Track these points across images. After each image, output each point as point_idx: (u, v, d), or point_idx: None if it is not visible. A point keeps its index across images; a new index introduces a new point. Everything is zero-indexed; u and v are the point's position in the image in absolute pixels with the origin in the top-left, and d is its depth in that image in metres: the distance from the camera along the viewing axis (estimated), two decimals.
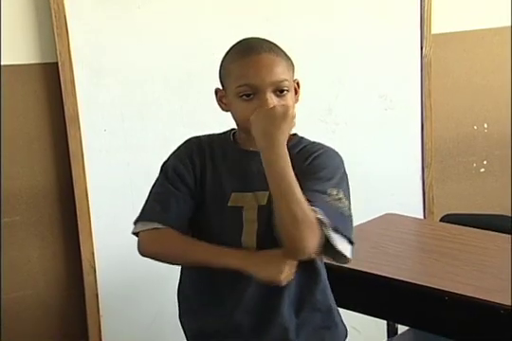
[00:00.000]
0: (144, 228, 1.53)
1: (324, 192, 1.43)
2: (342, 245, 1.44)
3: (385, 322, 2.38)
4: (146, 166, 2.33)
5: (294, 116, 1.44)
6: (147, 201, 1.55)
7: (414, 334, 2.33)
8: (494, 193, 3.17)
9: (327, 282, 1.58)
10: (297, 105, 1.51)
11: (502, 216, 2.49)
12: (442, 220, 2.46)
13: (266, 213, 1.46)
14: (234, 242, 1.48)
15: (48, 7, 2.15)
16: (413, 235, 2.33)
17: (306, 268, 1.51)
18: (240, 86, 1.45)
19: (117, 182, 2.33)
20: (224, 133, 1.59)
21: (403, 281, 1.89)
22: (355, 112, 2.74)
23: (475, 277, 1.91)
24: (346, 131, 2.73)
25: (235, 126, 1.56)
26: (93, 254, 2.32)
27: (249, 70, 1.44)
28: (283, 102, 1.45)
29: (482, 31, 2.99)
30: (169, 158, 1.57)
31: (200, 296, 1.56)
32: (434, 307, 1.85)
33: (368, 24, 2.71)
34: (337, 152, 1.54)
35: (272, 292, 1.48)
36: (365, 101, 2.76)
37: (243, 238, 1.48)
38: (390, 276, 1.92)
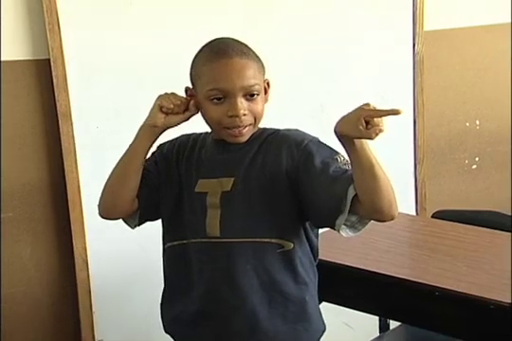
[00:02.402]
0: None
1: (338, 162, 1.47)
2: None
3: (377, 318, 2.40)
4: None
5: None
6: None
7: (406, 330, 2.34)
8: (486, 190, 3.19)
9: (308, 277, 1.58)
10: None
11: (493, 212, 2.50)
12: (434, 216, 2.47)
13: (230, 198, 1.51)
14: (200, 228, 1.52)
15: (40, 2, 2.14)
16: (405, 231, 2.34)
17: (282, 260, 1.52)
18: (210, 90, 1.48)
19: None
20: None
21: (394, 277, 1.90)
22: (347, 109, 2.73)
23: (466, 272, 1.92)
24: None
25: None
26: (85, 250, 2.32)
27: (220, 75, 1.47)
28: (253, 106, 1.49)
29: (474, 28, 3.00)
30: (158, 146, 1.65)
31: (174, 284, 1.61)
32: (425, 303, 1.86)
33: (360, 20, 2.72)
34: (298, 131, 1.56)
35: (241, 279, 1.50)
36: (357, 98, 2.75)
37: (207, 223, 1.52)
38: (381, 272, 1.93)
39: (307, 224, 1.55)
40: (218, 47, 1.50)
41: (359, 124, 1.32)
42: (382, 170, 1.40)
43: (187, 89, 1.55)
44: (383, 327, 2.42)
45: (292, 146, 1.50)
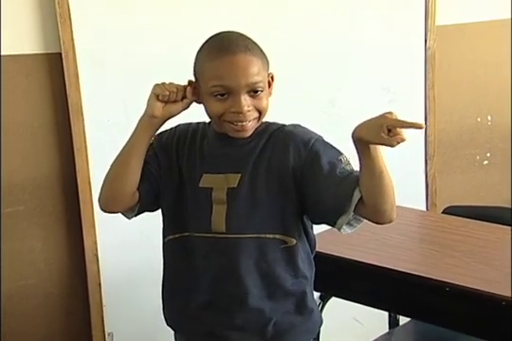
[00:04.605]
0: None
1: (341, 164, 1.48)
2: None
3: (386, 313, 2.39)
4: None
5: None
6: None
7: (416, 326, 2.34)
8: (497, 186, 3.17)
9: (307, 271, 1.59)
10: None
11: (504, 208, 2.49)
12: (444, 212, 2.47)
13: (236, 195, 1.50)
14: (205, 223, 1.52)
15: None
16: (416, 227, 2.34)
17: (284, 256, 1.53)
18: (214, 86, 1.46)
19: None
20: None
21: (405, 273, 1.90)
22: (358, 104, 2.74)
23: (476, 268, 1.91)
24: (349, 123, 2.71)
25: None
26: (96, 243, 2.33)
27: (224, 71, 1.45)
28: (257, 101, 1.48)
29: (486, 23, 2.99)
30: (156, 135, 1.61)
31: (174, 277, 1.61)
32: (435, 298, 1.86)
33: (372, 15, 2.71)
34: (302, 127, 1.56)
35: (244, 274, 1.51)
36: (368, 94, 2.76)
37: (212, 218, 1.52)
38: (391, 267, 1.93)
39: (305, 219, 1.55)
40: (222, 43, 1.48)
41: (381, 131, 1.33)
42: (389, 176, 1.41)
43: (190, 82, 1.54)
44: (392, 322, 2.42)
45: (299, 144, 1.51)
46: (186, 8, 2.38)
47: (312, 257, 1.61)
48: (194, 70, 1.53)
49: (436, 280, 1.84)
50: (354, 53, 2.70)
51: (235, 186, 1.51)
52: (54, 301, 2.36)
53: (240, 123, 1.48)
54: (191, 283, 1.57)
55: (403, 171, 2.87)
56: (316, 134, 1.54)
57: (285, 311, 1.56)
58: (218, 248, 1.53)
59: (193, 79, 1.54)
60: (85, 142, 2.26)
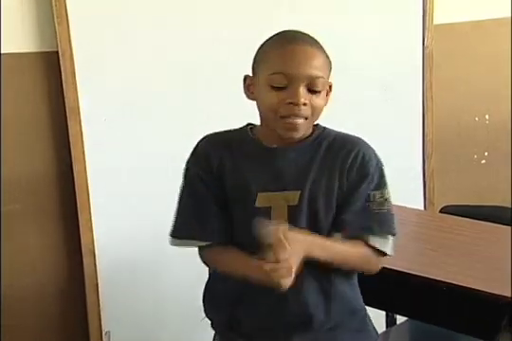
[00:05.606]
0: (188, 245, 1.53)
1: (369, 200, 1.47)
2: (386, 244, 1.53)
3: (383, 312, 2.39)
4: (146, 155, 2.34)
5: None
6: (179, 213, 1.53)
7: (412, 325, 2.34)
8: (495, 185, 3.18)
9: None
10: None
11: (501, 207, 2.49)
12: (442, 211, 2.47)
13: (297, 213, 1.45)
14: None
15: None
16: (413, 226, 2.33)
17: (344, 274, 1.53)
18: (274, 74, 1.41)
19: (116, 170, 2.33)
20: (241, 128, 1.55)
21: (401, 272, 1.90)
22: (356, 102, 2.74)
23: (474, 268, 1.91)
24: (347, 121, 2.72)
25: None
26: (93, 242, 2.32)
27: (287, 59, 1.41)
28: (314, 98, 1.42)
29: (484, 22, 2.99)
30: (188, 163, 1.54)
31: (230, 293, 1.54)
32: (432, 298, 1.86)
33: (370, 14, 2.71)
34: (368, 146, 1.52)
35: (308, 296, 1.48)
36: (366, 92, 2.75)
37: None
38: (388, 266, 1.92)
39: None
40: (289, 35, 1.46)
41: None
42: (343, 257, 1.46)
43: (246, 77, 1.49)
44: (389, 322, 2.41)
45: (360, 160, 1.47)
46: (187, 7, 2.37)
47: None
48: (255, 62, 1.48)
49: (433, 280, 1.84)
50: (352, 51, 2.69)
51: (296, 203, 1.44)
52: (50, 299, 2.35)
53: (294, 117, 1.40)
54: (249, 303, 1.50)
55: (401, 170, 2.87)
56: (375, 159, 1.50)
57: (348, 329, 1.54)
58: None
59: (246, 74, 1.50)
60: (82, 140, 2.26)
